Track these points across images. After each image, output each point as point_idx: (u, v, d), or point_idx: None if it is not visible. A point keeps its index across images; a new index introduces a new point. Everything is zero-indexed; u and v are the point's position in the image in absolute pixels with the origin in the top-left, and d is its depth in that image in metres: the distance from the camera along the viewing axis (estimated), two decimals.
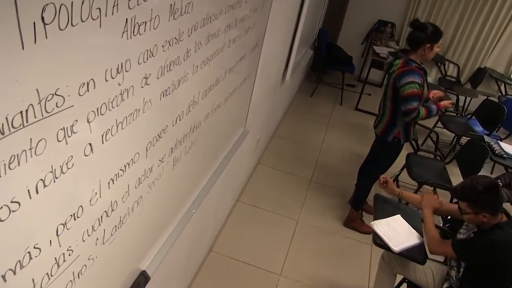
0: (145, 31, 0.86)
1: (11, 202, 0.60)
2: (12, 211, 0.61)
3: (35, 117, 0.60)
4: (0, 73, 0.52)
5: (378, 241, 2.04)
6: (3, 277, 0.63)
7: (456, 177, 2.13)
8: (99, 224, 0.92)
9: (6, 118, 0.54)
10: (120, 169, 0.94)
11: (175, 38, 1.01)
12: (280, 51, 2.84)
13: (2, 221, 0.59)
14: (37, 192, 0.66)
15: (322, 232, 3.00)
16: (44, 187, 0.67)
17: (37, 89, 0.59)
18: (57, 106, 0.65)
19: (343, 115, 4.86)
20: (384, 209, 2.26)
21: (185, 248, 1.92)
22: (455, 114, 4.49)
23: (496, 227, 1.74)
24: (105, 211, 0.93)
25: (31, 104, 0.58)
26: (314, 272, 2.64)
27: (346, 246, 2.92)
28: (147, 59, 0.90)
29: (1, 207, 0.58)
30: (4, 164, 0.56)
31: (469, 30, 5.27)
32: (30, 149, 0.61)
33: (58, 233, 0.76)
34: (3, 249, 0.63)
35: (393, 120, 2.55)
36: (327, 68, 5.37)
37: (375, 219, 2.18)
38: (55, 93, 0.63)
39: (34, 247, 0.69)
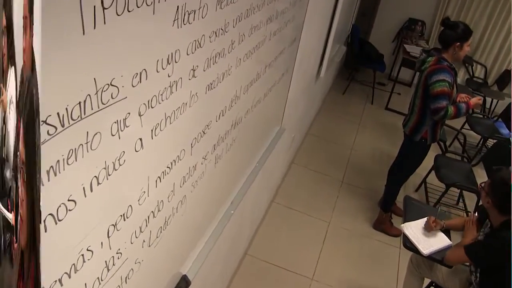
0: (194, 20, 0.81)
1: (68, 200, 0.56)
2: (69, 210, 0.56)
3: (92, 109, 0.56)
4: (62, 58, 0.47)
5: (408, 244, 2.02)
6: (60, 281, 0.59)
7: (482, 180, 2.11)
8: (146, 225, 0.88)
9: (66, 108, 0.50)
10: (167, 167, 0.90)
11: (221, 29, 0.96)
12: (316, 46, 2.76)
13: (60, 220, 0.54)
14: (91, 190, 0.61)
15: (353, 235, 2.94)
16: (97, 185, 0.63)
17: (94, 79, 0.55)
18: (112, 98, 0.60)
19: (374, 114, 4.78)
20: (413, 211, 2.23)
21: (223, 251, 1.87)
22: (482, 116, 4.42)
23: (506, 225, 1.70)
24: (152, 212, 0.89)
25: (89, 95, 0.54)
26: (344, 276, 2.59)
27: (376, 249, 2.86)
28: (195, 50, 0.86)
29: (59, 206, 0.54)
30: (63, 159, 0.52)
31: (498, 31, 5.09)
32: (87, 143, 0.57)
33: (109, 235, 0.72)
34: (60, 251, 0.58)
35: (421, 119, 2.52)
36: (359, 65, 5.27)
37: (404, 221, 2.15)
38: (111, 83, 0.59)
39: (87, 249, 0.65)
